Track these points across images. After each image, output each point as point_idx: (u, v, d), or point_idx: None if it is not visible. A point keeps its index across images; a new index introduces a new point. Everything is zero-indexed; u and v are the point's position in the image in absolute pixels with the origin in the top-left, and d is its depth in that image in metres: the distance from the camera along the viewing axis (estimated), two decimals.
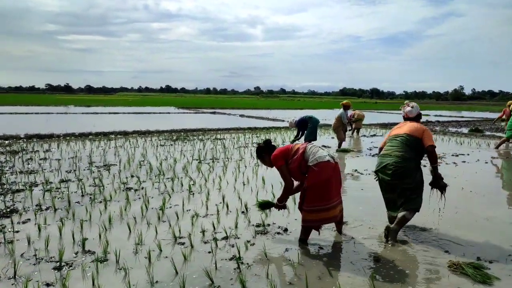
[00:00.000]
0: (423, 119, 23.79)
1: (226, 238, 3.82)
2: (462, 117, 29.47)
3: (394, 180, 3.88)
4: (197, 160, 8.13)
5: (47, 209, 4.64)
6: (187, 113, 28.09)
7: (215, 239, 3.76)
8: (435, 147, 3.91)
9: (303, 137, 9.77)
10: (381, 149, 4.26)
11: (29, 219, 4.26)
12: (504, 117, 12.52)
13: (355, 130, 14.16)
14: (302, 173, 3.73)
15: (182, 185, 5.94)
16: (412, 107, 4.27)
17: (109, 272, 3.10)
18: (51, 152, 8.77)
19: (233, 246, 3.62)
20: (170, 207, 4.82)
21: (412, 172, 3.88)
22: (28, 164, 7.39)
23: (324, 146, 10.26)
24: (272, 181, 6.06)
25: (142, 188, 5.68)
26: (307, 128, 9.70)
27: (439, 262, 3.36)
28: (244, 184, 6.10)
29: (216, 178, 6.45)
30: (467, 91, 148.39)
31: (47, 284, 2.87)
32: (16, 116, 20.36)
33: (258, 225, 4.20)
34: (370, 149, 10.43)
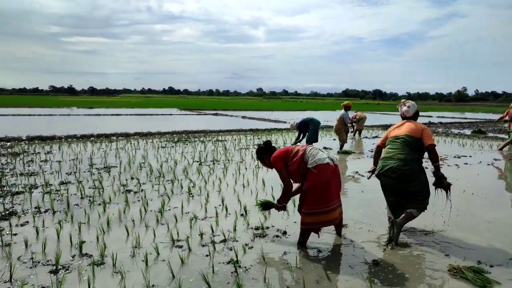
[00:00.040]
0: (426, 120, 23.73)
1: (224, 241, 3.80)
2: (465, 118, 29.33)
3: (400, 184, 3.84)
4: (197, 162, 8.12)
5: (45, 211, 4.63)
6: (189, 114, 28.12)
7: (213, 242, 3.74)
8: (435, 145, 3.88)
9: (304, 139, 9.73)
10: (378, 147, 4.24)
11: (27, 222, 4.25)
12: (507, 118, 12.43)
13: (357, 132, 14.11)
14: (301, 175, 3.70)
15: (181, 187, 5.92)
16: (408, 106, 4.23)
17: (105, 275, 3.08)
18: (52, 154, 8.78)
19: (231, 249, 3.59)
20: (169, 209, 4.80)
21: (417, 174, 3.84)
22: (29, 166, 7.40)
23: (326, 148, 10.24)
24: (272, 183, 6.03)
25: (142, 190, 5.66)
26: (309, 130, 9.66)
27: (439, 266, 3.32)
28: (244, 186, 6.08)
29: (216, 180, 6.43)
30: (470, 92, 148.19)
31: None
32: (19, 117, 20.44)
33: (257, 228, 4.17)
34: (372, 151, 10.37)
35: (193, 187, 5.93)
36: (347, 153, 9.97)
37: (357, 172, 7.34)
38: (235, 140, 12.16)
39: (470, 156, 9.59)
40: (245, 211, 4.72)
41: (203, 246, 3.69)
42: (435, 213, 4.44)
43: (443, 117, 30.12)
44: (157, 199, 5.25)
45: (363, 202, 5.24)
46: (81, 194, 5.36)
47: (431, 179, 3.98)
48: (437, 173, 3.92)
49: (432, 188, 4.01)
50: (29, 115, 22.23)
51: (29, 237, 3.74)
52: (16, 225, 4.14)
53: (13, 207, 4.77)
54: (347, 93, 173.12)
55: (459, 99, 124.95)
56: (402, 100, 4.41)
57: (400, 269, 3.26)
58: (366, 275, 3.13)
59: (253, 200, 5.11)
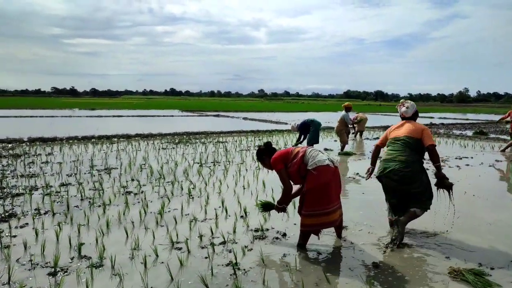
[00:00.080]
0: (427, 121, 23.67)
1: (223, 243, 3.79)
2: (467, 119, 29.26)
3: (402, 186, 3.83)
4: (198, 163, 8.11)
5: (45, 213, 4.63)
6: (190, 116, 28.15)
7: (213, 244, 3.73)
8: (435, 145, 3.86)
9: (305, 141, 9.72)
10: (377, 146, 4.23)
11: (27, 224, 4.25)
12: (508, 119, 12.37)
13: (358, 133, 14.08)
14: (301, 176, 3.69)
15: (182, 188, 5.91)
16: (407, 107, 4.22)
17: (104, 277, 3.07)
18: (53, 156, 8.79)
19: (230, 251, 3.58)
20: (169, 211, 4.79)
21: (418, 176, 3.83)
22: (30, 167, 7.41)
23: (327, 149, 10.21)
24: (272, 184, 6.02)
25: (142, 192, 5.66)
26: (309, 131, 9.64)
27: (439, 269, 3.29)
28: (244, 188, 6.06)
29: (217, 181, 6.42)
30: (472, 93, 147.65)
31: None
32: (21, 119, 20.50)
33: (256, 230, 4.15)
34: None
35: (193, 188, 5.92)
36: (348, 154, 9.95)
37: (358, 173, 7.32)
38: (236, 141, 12.15)
39: (472, 157, 9.55)
40: (245, 213, 4.71)
41: (203, 248, 3.67)
42: (436, 215, 4.41)
43: (444, 118, 30.07)
44: (157, 200, 5.24)
45: (364, 204, 5.22)
46: (81, 196, 5.36)
47: (432, 180, 3.96)
48: (438, 173, 3.90)
49: (434, 189, 4.00)
50: (31, 116, 22.30)
51: (28, 239, 3.73)
52: (16, 227, 4.14)
53: (13, 209, 4.77)
54: (348, 94, 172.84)
55: (461, 100, 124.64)
56: (401, 100, 4.38)
57: (400, 272, 3.24)
58: (366, 277, 3.11)
59: (253, 202, 5.10)
